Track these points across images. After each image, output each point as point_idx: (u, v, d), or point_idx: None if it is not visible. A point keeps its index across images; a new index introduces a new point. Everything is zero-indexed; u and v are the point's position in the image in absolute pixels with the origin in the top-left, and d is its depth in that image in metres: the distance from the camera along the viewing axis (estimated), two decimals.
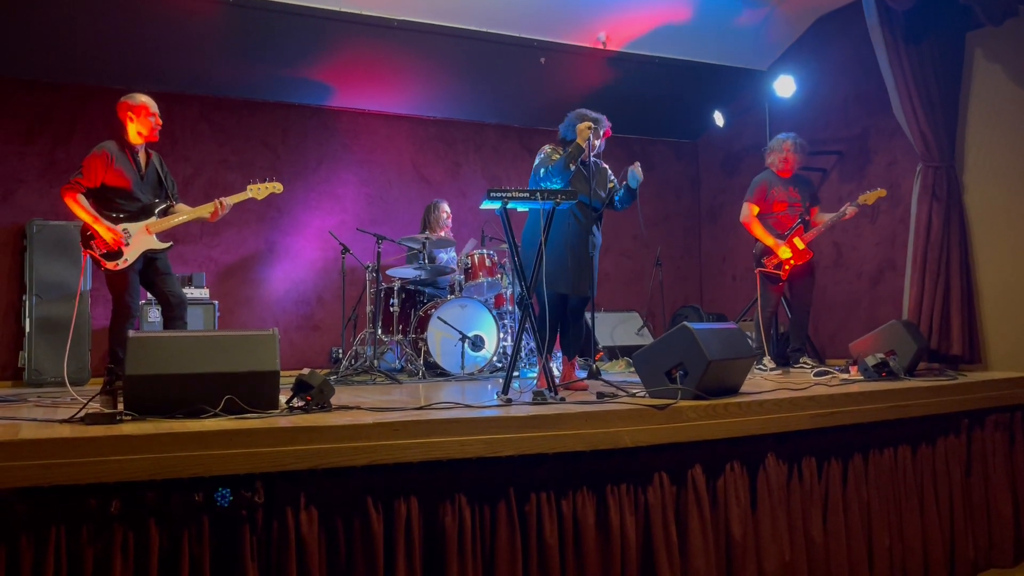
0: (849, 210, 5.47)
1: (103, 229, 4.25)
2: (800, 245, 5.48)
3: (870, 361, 4.44)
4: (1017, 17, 5.15)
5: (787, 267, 5.49)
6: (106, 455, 2.32)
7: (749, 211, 5.64)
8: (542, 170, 4.42)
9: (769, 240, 5.53)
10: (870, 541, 3.66)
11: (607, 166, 4.71)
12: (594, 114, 4.54)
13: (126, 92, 4.48)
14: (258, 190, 4.67)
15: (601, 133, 4.52)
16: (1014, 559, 4.17)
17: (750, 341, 5.25)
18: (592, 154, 4.49)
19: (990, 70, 5.48)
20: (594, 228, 4.53)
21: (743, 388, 3.79)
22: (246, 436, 2.49)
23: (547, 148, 4.52)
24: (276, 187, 4.71)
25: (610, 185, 4.66)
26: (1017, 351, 5.26)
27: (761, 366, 5.36)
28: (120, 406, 2.82)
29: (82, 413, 2.74)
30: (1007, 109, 5.40)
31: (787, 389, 3.89)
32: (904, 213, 6.02)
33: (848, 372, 4.77)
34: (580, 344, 4.78)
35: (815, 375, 4.69)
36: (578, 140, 4.38)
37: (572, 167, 4.37)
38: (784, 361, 5.61)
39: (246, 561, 2.46)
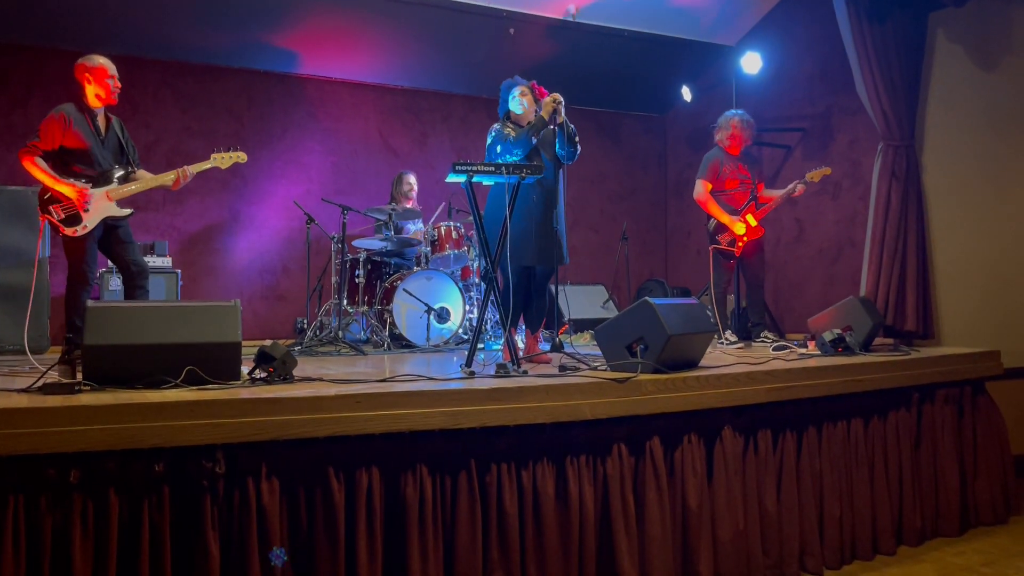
0: (798, 187, 5.55)
1: (66, 188, 4.18)
2: (753, 222, 5.56)
3: (827, 336, 4.54)
4: None
5: (741, 243, 5.57)
6: (64, 425, 2.32)
7: (703, 188, 5.68)
8: (499, 147, 4.39)
9: (725, 217, 5.59)
10: (821, 511, 3.76)
11: (553, 128, 4.57)
12: (522, 80, 4.58)
13: (85, 55, 4.39)
14: (222, 159, 4.62)
15: (534, 94, 4.54)
16: (960, 529, 4.30)
17: (710, 316, 5.35)
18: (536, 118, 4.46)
19: (951, 51, 5.55)
20: (558, 194, 4.51)
21: (703, 362, 3.85)
22: (207, 407, 2.50)
23: (497, 126, 4.50)
24: (240, 156, 4.67)
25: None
26: (968, 328, 5.40)
27: (723, 340, 5.45)
28: (79, 376, 2.81)
29: (40, 383, 2.72)
30: (965, 91, 5.49)
31: (745, 363, 3.97)
32: (865, 191, 6.12)
33: (806, 347, 4.87)
34: (543, 317, 4.81)
35: (774, 349, 4.78)
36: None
37: (534, 139, 4.37)
38: (746, 335, 5.71)
39: (207, 530, 2.47)
